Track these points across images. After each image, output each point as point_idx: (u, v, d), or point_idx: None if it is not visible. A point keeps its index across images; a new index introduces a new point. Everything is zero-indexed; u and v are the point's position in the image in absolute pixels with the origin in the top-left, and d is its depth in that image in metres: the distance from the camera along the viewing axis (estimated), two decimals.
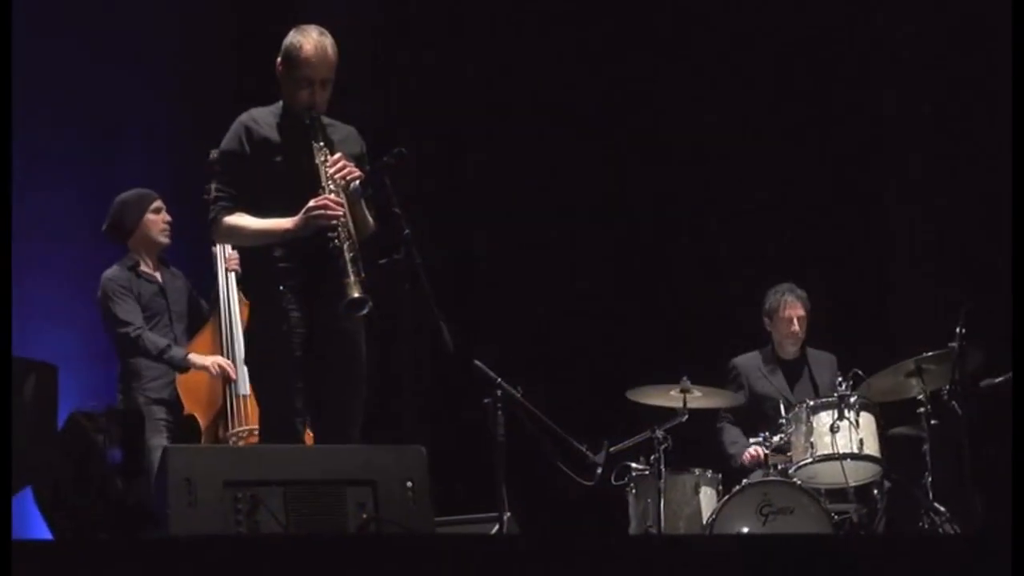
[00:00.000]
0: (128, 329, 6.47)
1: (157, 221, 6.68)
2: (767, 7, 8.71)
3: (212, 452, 5.20)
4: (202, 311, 6.83)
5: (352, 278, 5.05)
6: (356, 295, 5.04)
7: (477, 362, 6.41)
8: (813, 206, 8.58)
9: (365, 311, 5.11)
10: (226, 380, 6.50)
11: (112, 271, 6.64)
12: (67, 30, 8.00)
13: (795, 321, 7.48)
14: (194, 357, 6.48)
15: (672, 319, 8.62)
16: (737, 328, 7.99)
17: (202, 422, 6.52)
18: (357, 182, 5.26)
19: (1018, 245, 5.74)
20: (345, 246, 5.09)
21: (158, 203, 6.69)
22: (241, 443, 6.33)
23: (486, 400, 6.38)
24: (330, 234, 5.11)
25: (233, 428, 6.47)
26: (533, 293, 8.56)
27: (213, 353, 6.57)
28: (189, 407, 6.53)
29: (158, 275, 6.69)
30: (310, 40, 5.26)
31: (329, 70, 5.28)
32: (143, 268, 6.66)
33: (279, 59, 5.33)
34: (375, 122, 6.59)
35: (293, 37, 5.29)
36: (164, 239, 6.72)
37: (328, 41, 5.29)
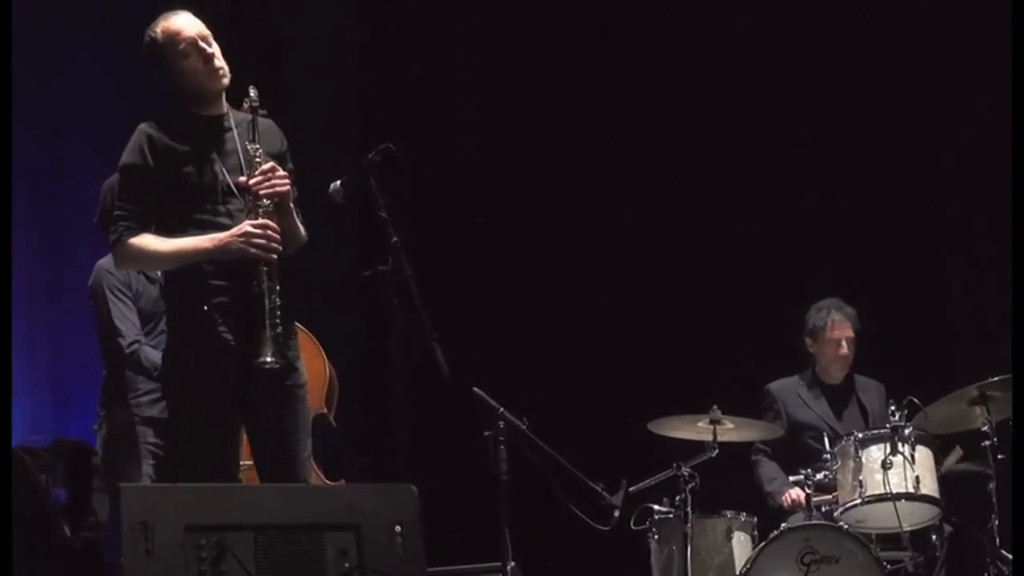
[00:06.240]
0: (123, 341, 6.05)
1: None
2: (806, 14, 8.76)
3: (172, 492, 4.88)
4: None
5: (268, 332, 4.81)
6: (267, 359, 4.79)
7: (477, 389, 6.08)
8: (859, 216, 8.53)
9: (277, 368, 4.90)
10: None
11: (109, 260, 6.15)
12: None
13: (844, 343, 7.27)
14: None
15: (700, 341, 8.59)
16: (774, 351, 7.82)
17: None
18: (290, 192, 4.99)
19: (1018, 245, 5.74)
20: (265, 287, 4.84)
21: None
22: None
23: (487, 433, 6.01)
24: (260, 266, 4.84)
25: None
26: (541, 313, 8.52)
27: None
28: None
29: (160, 273, 6.32)
30: (166, 16, 5.02)
31: (203, 27, 5.01)
32: None
33: (156, 57, 5.01)
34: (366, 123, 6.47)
35: (150, 29, 5.03)
36: None
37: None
